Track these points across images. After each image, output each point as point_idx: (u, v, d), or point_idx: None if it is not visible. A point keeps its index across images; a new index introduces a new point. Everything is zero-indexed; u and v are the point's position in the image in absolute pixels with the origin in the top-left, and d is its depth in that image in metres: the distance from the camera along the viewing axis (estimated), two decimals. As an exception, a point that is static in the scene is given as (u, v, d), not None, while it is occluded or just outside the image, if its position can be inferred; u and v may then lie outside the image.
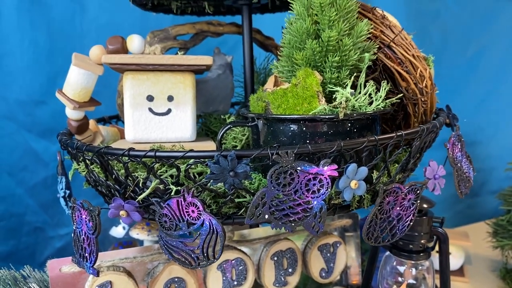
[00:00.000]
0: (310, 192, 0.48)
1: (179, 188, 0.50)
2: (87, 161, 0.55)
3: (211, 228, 0.48)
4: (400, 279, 0.79)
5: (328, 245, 0.79)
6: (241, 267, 0.73)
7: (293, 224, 0.49)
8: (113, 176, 0.54)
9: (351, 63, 0.54)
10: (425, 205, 0.74)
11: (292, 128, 0.53)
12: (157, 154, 0.48)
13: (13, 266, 0.77)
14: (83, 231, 0.57)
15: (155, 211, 0.53)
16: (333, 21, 0.52)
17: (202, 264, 0.50)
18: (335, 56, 0.52)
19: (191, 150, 0.48)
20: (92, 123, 0.71)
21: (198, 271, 0.73)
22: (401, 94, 0.59)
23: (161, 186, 0.51)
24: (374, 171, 0.55)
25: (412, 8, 1.40)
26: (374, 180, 0.54)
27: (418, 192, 0.55)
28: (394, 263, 0.78)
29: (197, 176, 0.53)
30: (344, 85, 0.54)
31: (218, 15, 0.81)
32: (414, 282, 0.78)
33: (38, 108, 1.13)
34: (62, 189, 0.62)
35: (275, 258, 0.75)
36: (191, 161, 0.48)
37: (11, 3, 1.09)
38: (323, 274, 0.79)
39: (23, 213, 1.15)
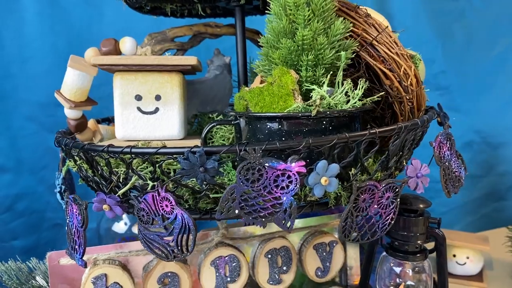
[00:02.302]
0: (279, 188, 0.49)
1: (155, 183, 0.52)
2: (75, 157, 0.58)
3: (183, 222, 0.50)
4: (398, 280, 0.78)
5: (324, 244, 0.79)
6: (234, 264, 0.74)
7: (263, 219, 0.50)
8: (99, 171, 0.56)
9: (327, 61, 0.54)
10: (421, 205, 0.73)
11: (268, 126, 0.54)
12: (133, 150, 0.50)
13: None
14: (74, 224, 0.60)
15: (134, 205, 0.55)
16: (308, 20, 0.53)
17: (177, 257, 0.52)
18: (310, 55, 0.53)
19: (164, 147, 0.49)
20: (91, 122, 0.75)
21: (192, 266, 0.74)
22: (383, 92, 0.59)
23: (140, 182, 0.54)
24: (352, 168, 0.55)
25: (433, 7, 1.37)
26: (351, 178, 0.54)
27: (397, 190, 0.55)
28: (391, 264, 0.77)
29: (173, 172, 0.54)
30: (321, 84, 0.55)
31: (215, 17, 0.83)
32: (413, 283, 0.77)
33: (58, 110, 1.17)
34: (58, 184, 0.66)
35: (269, 256, 0.76)
36: (164, 157, 0.50)
37: (33, 10, 1.14)
38: (319, 273, 0.80)
39: (44, 209, 1.20)
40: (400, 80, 0.59)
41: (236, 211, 0.49)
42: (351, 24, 0.57)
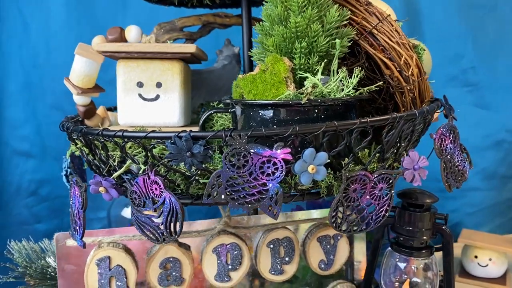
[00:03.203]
0: (265, 175, 0.49)
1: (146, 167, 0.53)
2: (75, 141, 0.60)
3: (171, 205, 0.51)
4: (403, 276, 0.76)
5: (328, 237, 0.79)
6: (236, 252, 0.74)
7: (249, 205, 0.50)
8: (97, 155, 0.58)
9: (321, 49, 0.54)
10: (427, 200, 0.72)
11: (261, 114, 0.54)
12: (125, 134, 0.52)
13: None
14: (76, 206, 0.62)
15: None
16: (303, 6, 0.53)
17: (167, 239, 0.53)
18: (303, 42, 0.53)
19: (153, 131, 0.50)
20: (101, 109, 0.77)
21: (194, 252, 0.75)
22: (381, 82, 0.57)
23: (134, 165, 0.55)
24: (346, 158, 0.54)
25: (465, 1, 1.33)
26: (343, 167, 0.53)
27: (390, 181, 0.54)
28: (396, 259, 0.76)
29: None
30: (315, 72, 0.54)
31: (226, 7, 0.83)
32: (418, 280, 0.76)
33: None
34: (64, 167, 0.68)
35: (271, 246, 0.76)
36: (154, 141, 0.51)
37: (60, 1, 1.18)
38: (322, 266, 0.79)
39: (66, 195, 1.23)
40: (400, 70, 0.58)
41: (222, 196, 0.50)
42: (349, 12, 0.56)
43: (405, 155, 0.56)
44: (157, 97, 0.63)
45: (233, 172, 0.49)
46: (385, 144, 0.54)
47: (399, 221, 0.73)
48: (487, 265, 1.04)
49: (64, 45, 1.20)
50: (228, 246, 0.74)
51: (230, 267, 0.75)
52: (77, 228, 0.62)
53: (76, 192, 0.61)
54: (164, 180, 0.54)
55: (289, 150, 0.48)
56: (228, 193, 0.50)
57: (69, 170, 0.68)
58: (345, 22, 0.56)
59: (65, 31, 1.20)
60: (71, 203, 0.64)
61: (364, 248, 0.85)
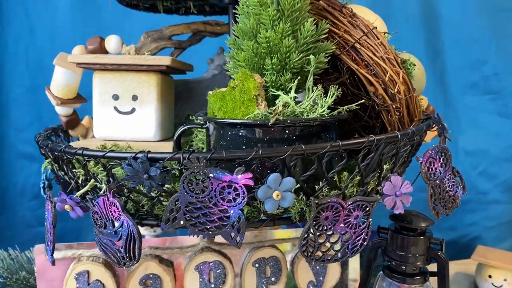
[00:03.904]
0: (226, 201, 0.46)
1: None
2: (45, 155, 0.58)
3: (129, 229, 0.48)
4: (396, 302, 0.72)
5: (317, 257, 0.75)
6: (219, 270, 0.72)
7: (210, 232, 0.47)
8: (64, 172, 0.56)
9: (294, 66, 0.50)
10: (422, 224, 0.67)
11: (230, 133, 0.51)
12: (84, 152, 0.49)
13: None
14: (48, 221, 0.60)
15: (91, 207, 0.54)
16: (275, 20, 0.49)
17: (127, 264, 0.50)
18: (274, 58, 0.49)
19: (111, 150, 0.48)
20: (86, 119, 0.75)
21: (176, 269, 0.73)
22: (362, 101, 0.53)
23: (98, 184, 0.53)
24: (320, 182, 0.50)
25: (486, 2, 1.26)
26: (317, 192, 0.50)
27: (367, 209, 0.50)
28: (388, 285, 0.71)
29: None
30: (288, 89, 0.51)
31: (216, 14, 0.80)
32: (412, 307, 0.71)
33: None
34: (43, 179, 0.67)
35: (257, 265, 0.73)
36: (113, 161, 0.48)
37: (66, 3, 1.18)
38: (311, 287, 0.75)
39: (70, 198, 1.24)
40: (385, 87, 0.54)
41: (181, 222, 0.47)
42: (328, 25, 0.52)
43: (386, 180, 0.51)
44: (133, 110, 0.61)
45: (192, 196, 0.46)
46: (363, 169, 0.50)
47: (391, 245, 0.69)
48: (501, 285, 0.98)
49: (70, 48, 1.19)
50: (211, 264, 0.72)
51: (213, 285, 0.72)
52: (49, 243, 0.60)
53: (49, 207, 0.59)
54: (127, 201, 0.52)
55: (250, 175, 0.44)
56: (187, 219, 0.47)
57: (46, 182, 0.66)
58: (323, 36, 0.52)
59: (71, 33, 1.20)
60: (46, 217, 0.62)
61: (358, 267, 0.81)
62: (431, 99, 1.29)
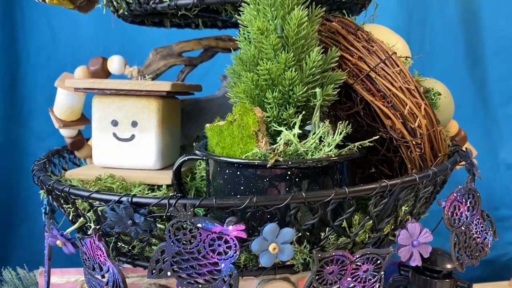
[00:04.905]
0: (216, 253, 0.41)
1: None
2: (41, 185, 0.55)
3: (114, 277, 0.45)
4: None
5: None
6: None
7: (199, 286, 0.42)
8: (58, 203, 0.53)
9: (297, 99, 0.45)
10: (448, 266, 0.60)
11: (227, 171, 0.47)
12: (70, 190, 0.46)
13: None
14: (46, 252, 0.58)
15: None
16: (277, 49, 0.44)
17: (116, 309, 0.47)
18: (276, 92, 0.44)
19: (97, 191, 0.44)
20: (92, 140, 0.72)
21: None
22: (376, 137, 0.47)
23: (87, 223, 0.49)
24: (327, 229, 0.45)
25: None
26: (321, 242, 0.44)
27: (378, 262, 0.44)
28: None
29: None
30: (291, 125, 0.46)
31: (231, 28, 0.76)
32: None
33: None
34: (44, 205, 0.64)
35: (267, 300, 0.68)
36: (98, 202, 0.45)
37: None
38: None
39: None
40: (404, 121, 0.48)
41: (169, 273, 0.42)
42: (338, 53, 0.47)
43: (401, 228, 0.45)
44: (132, 137, 0.57)
45: (179, 247, 0.42)
46: (374, 216, 0.44)
47: (412, 285, 0.62)
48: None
49: (92, 56, 1.18)
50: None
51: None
52: (45, 274, 0.58)
53: (46, 238, 0.57)
54: (117, 241, 0.49)
55: (242, 227, 0.40)
56: (174, 270, 0.42)
57: (47, 207, 0.64)
58: (333, 65, 0.47)
59: (93, 41, 1.18)
60: (45, 245, 0.60)
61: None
62: (470, 109, 1.20)
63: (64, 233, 0.51)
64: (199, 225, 0.40)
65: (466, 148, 0.54)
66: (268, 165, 0.42)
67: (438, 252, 0.62)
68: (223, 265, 0.42)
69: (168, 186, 0.56)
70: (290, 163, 0.43)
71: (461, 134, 0.66)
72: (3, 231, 1.17)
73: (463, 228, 0.49)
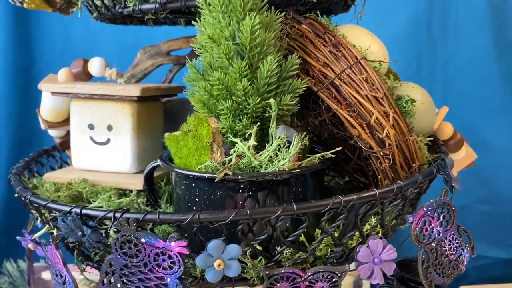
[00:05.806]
0: (161, 268, 0.41)
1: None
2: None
3: (70, 285, 0.45)
4: None
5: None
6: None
7: (149, 298, 0.42)
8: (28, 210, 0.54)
9: (251, 110, 0.43)
10: (433, 277, 0.57)
11: (184, 181, 0.46)
12: (31, 198, 0.47)
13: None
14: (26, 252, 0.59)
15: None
16: (230, 58, 0.42)
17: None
18: (228, 102, 0.43)
19: (53, 201, 0.45)
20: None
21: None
22: (339, 148, 0.45)
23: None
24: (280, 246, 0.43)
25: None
26: (275, 257, 0.43)
27: (333, 280, 0.42)
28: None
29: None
30: (247, 135, 0.44)
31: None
32: None
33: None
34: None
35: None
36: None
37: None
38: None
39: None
40: (371, 130, 0.45)
41: (118, 285, 0.42)
42: (298, 60, 0.44)
43: (362, 245, 0.43)
44: (108, 140, 0.58)
45: (126, 260, 0.41)
46: (331, 232, 0.42)
47: (396, 297, 0.60)
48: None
49: (107, 52, 1.18)
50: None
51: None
52: (27, 272, 0.59)
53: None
54: (79, 248, 0.49)
55: (184, 243, 0.39)
56: (124, 282, 0.42)
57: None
58: (295, 72, 0.45)
59: (107, 37, 1.19)
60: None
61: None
62: (498, 100, 1.13)
63: (33, 238, 0.52)
64: (142, 240, 0.40)
65: (444, 158, 0.50)
66: (216, 180, 0.41)
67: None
68: (169, 279, 0.41)
69: (140, 191, 0.55)
70: (240, 177, 0.42)
71: (456, 137, 0.62)
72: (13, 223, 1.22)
73: (433, 244, 0.46)
